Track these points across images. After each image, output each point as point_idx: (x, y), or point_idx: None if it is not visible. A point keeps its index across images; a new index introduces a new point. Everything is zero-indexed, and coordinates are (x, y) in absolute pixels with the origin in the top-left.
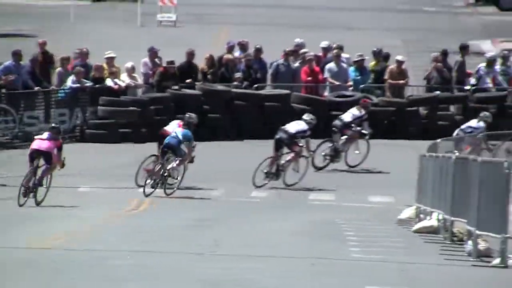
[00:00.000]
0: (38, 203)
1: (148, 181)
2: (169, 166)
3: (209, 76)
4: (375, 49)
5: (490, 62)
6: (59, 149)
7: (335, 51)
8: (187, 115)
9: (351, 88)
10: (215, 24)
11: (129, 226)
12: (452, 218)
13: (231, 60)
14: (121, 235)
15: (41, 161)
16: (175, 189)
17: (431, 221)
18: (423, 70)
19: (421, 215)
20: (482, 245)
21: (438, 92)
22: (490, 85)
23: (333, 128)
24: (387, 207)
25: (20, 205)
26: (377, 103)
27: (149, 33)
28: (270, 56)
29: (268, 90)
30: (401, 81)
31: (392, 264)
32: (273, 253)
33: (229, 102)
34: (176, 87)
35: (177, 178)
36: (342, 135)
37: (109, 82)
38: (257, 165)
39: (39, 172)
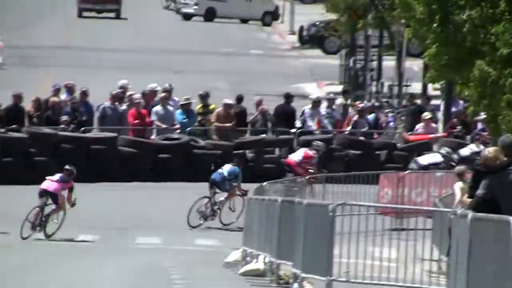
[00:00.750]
0: (48, 236)
1: (195, 214)
2: (217, 200)
3: (34, 119)
4: (201, 92)
5: (315, 104)
6: (70, 189)
7: (162, 94)
8: (314, 143)
9: (178, 131)
10: (41, 66)
11: None
12: (278, 261)
13: (57, 103)
14: None
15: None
16: (234, 220)
17: (258, 264)
18: (248, 113)
19: (248, 258)
20: None
21: (264, 135)
22: (315, 127)
23: (450, 162)
24: (214, 250)
25: (24, 238)
26: (204, 146)
27: None
28: (97, 98)
29: (94, 133)
30: (228, 124)
31: None
32: None
33: (56, 145)
34: (2, 130)
35: (233, 210)
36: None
37: None
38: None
39: (47, 209)
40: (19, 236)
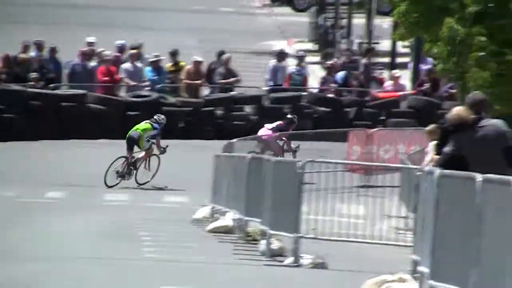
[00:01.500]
0: None
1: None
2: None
3: (3, 76)
4: (171, 50)
5: (279, 56)
6: (288, 137)
7: (131, 51)
8: None
9: (147, 88)
10: (9, 23)
11: None
12: (246, 218)
13: (27, 59)
14: None
15: None
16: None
17: (226, 221)
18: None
19: (216, 215)
20: (275, 245)
21: (233, 92)
22: (284, 83)
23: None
24: (182, 207)
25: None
26: (174, 104)
27: None
28: (66, 55)
29: (64, 90)
30: (197, 81)
31: (186, 264)
32: (66, 254)
33: (25, 102)
34: None
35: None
36: None
37: None
38: None
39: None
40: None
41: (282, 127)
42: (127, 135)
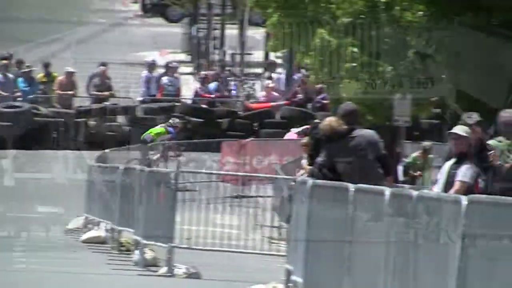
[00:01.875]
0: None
1: None
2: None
3: None
4: (43, 60)
5: (150, 67)
6: None
7: (2, 61)
8: None
9: (19, 99)
10: None
11: None
12: (120, 228)
13: None
14: None
15: None
16: None
17: (99, 231)
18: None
19: (90, 225)
20: (149, 255)
21: (106, 103)
22: (158, 95)
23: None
24: (55, 217)
25: None
26: (46, 114)
27: None
28: None
29: None
30: (69, 92)
31: (58, 274)
32: None
33: None
34: None
35: None
36: None
37: None
38: None
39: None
40: None
41: (305, 131)
42: (141, 137)
